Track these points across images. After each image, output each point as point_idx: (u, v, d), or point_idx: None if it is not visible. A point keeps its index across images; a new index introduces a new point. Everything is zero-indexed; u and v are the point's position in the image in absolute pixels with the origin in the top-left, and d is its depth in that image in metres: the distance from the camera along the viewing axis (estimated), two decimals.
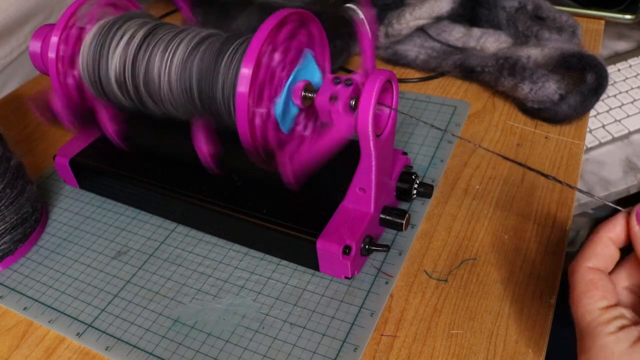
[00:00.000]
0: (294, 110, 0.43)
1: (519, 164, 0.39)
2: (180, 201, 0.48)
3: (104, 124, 0.51)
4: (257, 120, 0.41)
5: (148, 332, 0.43)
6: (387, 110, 0.41)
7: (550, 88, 0.55)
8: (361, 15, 0.39)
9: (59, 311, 0.45)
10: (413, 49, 0.67)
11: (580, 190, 0.36)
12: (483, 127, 0.58)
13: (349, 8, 0.40)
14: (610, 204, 0.35)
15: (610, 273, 0.34)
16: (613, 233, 0.33)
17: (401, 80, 0.66)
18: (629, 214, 0.33)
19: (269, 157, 0.44)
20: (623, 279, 0.34)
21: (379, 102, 0.39)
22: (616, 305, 0.32)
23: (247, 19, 0.71)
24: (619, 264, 0.34)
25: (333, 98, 0.39)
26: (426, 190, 0.47)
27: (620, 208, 0.33)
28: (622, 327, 0.30)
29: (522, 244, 0.46)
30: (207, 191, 0.48)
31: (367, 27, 0.40)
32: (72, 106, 0.49)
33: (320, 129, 0.49)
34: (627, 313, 0.32)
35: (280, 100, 0.41)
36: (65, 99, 0.49)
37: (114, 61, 0.46)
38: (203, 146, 0.43)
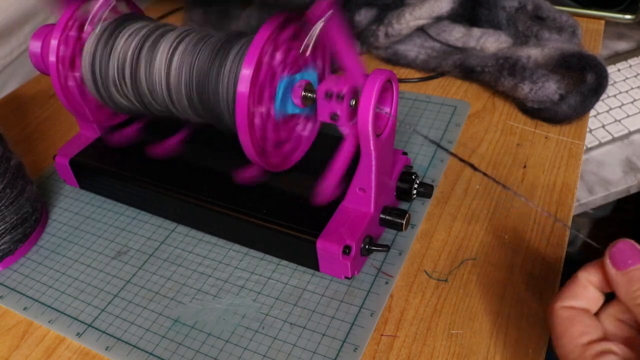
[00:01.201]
0: (290, 107, 0.43)
1: (501, 184, 0.39)
2: (180, 201, 0.48)
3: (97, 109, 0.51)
4: (257, 120, 0.41)
5: (148, 332, 0.43)
6: (386, 110, 0.41)
7: (550, 88, 0.55)
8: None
9: (59, 311, 0.45)
10: (413, 49, 0.67)
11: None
12: (483, 127, 0.58)
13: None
14: (591, 242, 0.33)
15: (597, 313, 0.32)
16: (593, 277, 0.31)
17: (401, 80, 0.66)
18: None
19: (267, 157, 0.44)
20: (614, 313, 0.32)
21: (380, 107, 0.39)
22: (602, 339, 0.30)
23: (247, 19, 0.71)
24: (606, 304, 0.32)
25: (334, 117, 0.40)
26: (426, 190, 0.47)
27: (559, 221, 0.32)
28: None
29: (522, 244, 0.46)
30: (207, 191, 0.48)
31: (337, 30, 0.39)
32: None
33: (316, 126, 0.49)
34: (617, 348, 0.29)
35: (288, 104, 0.42)
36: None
37: (115, 62, 0.46)
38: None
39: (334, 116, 0.40)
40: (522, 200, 0.37)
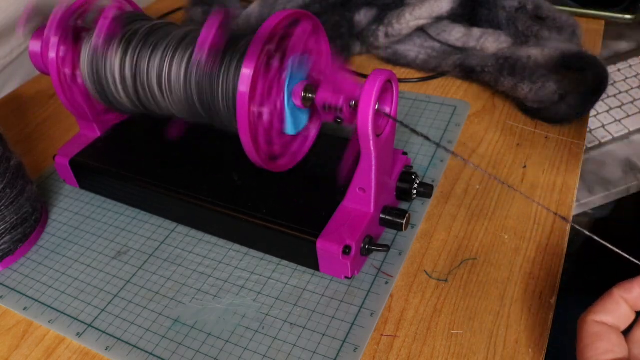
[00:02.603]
0: (303, 118, 0.44)
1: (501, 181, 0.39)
2: (180, 201, 0.48)
3: (97, 109, 0.50)
4: (258, 120, 0.41)
5: (148, 332, 0.43)
6: (387, 110, 0.41)
7: (550, 88, 0.55)
8: None
9: (59, 311, 0.45)
10: (413, 49, 0.67)
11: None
12: (483, 127, 0.58)
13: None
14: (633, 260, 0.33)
15: (626, 334, 0.32)
16: (629, 295, 0.32)
17: (401, 80, 0.66)
18: None
19: (269, 157, 0.44)
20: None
21: (379, 110, 0.39)
22: (624, 359, 0.30)
23: (247, 18, 0.71)
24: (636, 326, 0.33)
25: (338, 120, 0.41)
26: (426, 190, 0.47)
27: (561, 216, 0.32)
28: None
29: (522, 244, 0.46)
30: (207, 191, 0.48)
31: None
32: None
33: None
34: None
35: (287, 106, 0.42)
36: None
37: (115, 62, 0.46)
38: (210, 33, 0.41)
39: (338, 120, 0.41)
40: (524, 197, 0.37)
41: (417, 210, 0.49)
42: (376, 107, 0.38)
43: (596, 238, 0.34)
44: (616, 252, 0.33)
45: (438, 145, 0.35)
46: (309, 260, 0.44)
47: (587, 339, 0.31)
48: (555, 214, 0.36)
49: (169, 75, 0.44)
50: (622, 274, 0.35)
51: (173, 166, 0.51)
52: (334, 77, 0.41)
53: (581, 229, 0.35)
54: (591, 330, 0.32)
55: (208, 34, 0.41)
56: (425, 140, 0.56)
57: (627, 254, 0.33)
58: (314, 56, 0.45)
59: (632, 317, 0.32)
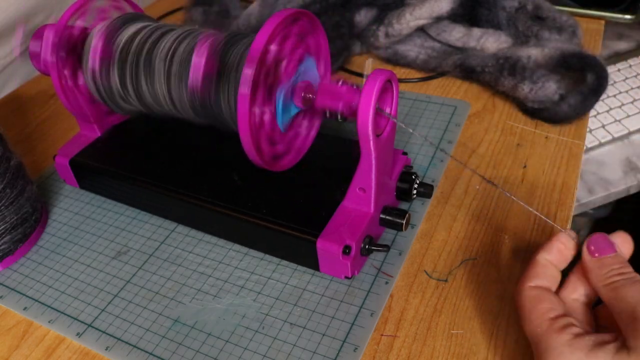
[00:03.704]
0: (293, 110, 0.44)
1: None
2: (180, 201, 0.48)
3: (97, 109, 0.50)
4: (258, 121, 0.41)
5: (148, 332, 0.43)
6: (387, 111, 0.41)
7: (550, 88, 0.55)
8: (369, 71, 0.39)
9: (59, 311, 0.45)
10: (413, 49, 0.67)
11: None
12: (483, 127, 0.58)
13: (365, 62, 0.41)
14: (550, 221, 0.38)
15: (557, 291, 0.36)
16: (551, 255, 0.36)
17: (401, 80, 0.66)
18: (578, 242, 0.35)
19: (269, 157, 0.44)
20: (570, 292, 0.36)
21: (380, 109, 0.39)
22: (564, 315, 0.33)
23: (248, 18, 0.71)
24: (563, 280, 0.36)
25: (340, 81, 0.41)
26: (426, 190, 0.47)
27: (558, 226, 0.37)
28: (576, 336, 0.31)
29: (522, 244, 0.46)
30: (207, 191, 0.48)
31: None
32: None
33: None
34: (576, 322, 0.33)
35: (279, 100, 0.41)
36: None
37: (115, 62, 0.46)
38: (201, 61, 0.42)
39: (340, 80, 0.41)
40: (521, 204, 0.39)
41: (417, 210, 0.49)
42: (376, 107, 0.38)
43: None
44: None
45: (437, 147, 0.35)
46: (309, 260, 0.44)
47: (528, 304, 0.34)
48: (553, 224, 0.38)
49: (169, 75, 0.44)
50: None
51: (173, 166, 0.51)
52: (332, 85, 0.41)
53: (576, 232, 0.36)
54: (530, 295, 0.34)
55: (199, 61, 0.42)
56: (425, 141, 0.56)
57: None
58: (313, 56, 0.45)
59: (559, 276, 0.36)
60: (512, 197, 0.39)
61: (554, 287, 0.35)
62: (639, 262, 0.36)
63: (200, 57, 0.42)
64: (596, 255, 0.34)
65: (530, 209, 0.39)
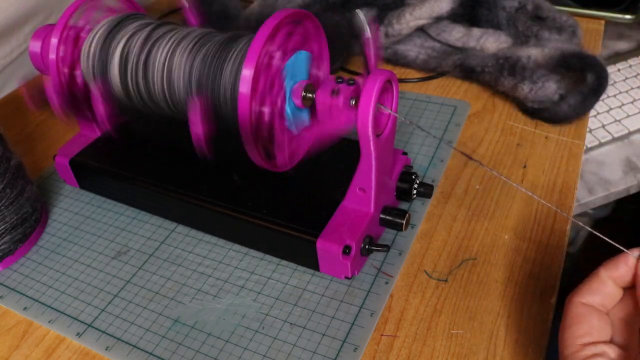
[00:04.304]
0: (304, 116, 0.44)
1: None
2: (180, 201, 0.48)
3: (97, 109, 0.51)
4: (258, 120, 0.41)
5: (148, 332, 0.43)
6: (386, 110, 0.41)
7: (550, 88, 0.55)
8: (365, 24, 0.39)
9: (59, 311, 0.45)
10: (413, 49, 0.67)
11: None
12: (483, 127, 0.58)
13: (356, 15, 0.40)
14: (620, 247, 0.34)
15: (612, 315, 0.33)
16: (615, 273, 0.33)
17: (401, 80, 0.66)
18: (636, 258, 0.32)
19: (269, 157, 0.44)
20: (618, 311, 0.33)
21: (380, 104, 0.39)
22: (602, 342, 0.31)
23: (247, 19, 0.71)
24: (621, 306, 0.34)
25: (335, 92, 0.40)
26: (426, 190, 0.47)
27: (624, 249, 0.33)
28: None
29: (522, 244, 0.46)
30: (207, 191, 0.48)
31: (371, 35, 0.40)
32: (64, 92, 0.49)
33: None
34: (612, 351, 0.31)
35: (288, 105, 0.42)
36: (58, 85, 0.49)
37: (115, 62, 0.46)
38: (198, 126, 0.42)
39: (335, 91, 0.41)
40: (527, 193, 0.37)
41: (417, 210, 0.49)
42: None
43: (597, 234, 0.35)
44: (617, 249, 0.33)
45: (440, 140, 0.35)
46: (309, 260, 0.44)
47: (569, 319, 0.32)
48: (557, 209, 0.37)
49: (169, 75, 0.44)
50: None
51: (173, 166, 0.51)
52: (331, 83, 0.41)
53: (582, 225, 0.35)
54: (575, 312, 0.32)
55: (197, 127, 0.42)
56: (425, 140, 0.56)
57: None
58: (313, 56, 0.45)
59: (619, 295, 0.33)
60: (520, 187, 0.38)
61: (609, 306, 0.33)
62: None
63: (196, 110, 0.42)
64: None
65: (535, 197, 0.37)
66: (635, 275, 0.32)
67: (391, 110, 0.41)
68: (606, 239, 0.34)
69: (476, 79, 0.63)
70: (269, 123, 0.42)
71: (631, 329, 0.33)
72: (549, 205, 0.37)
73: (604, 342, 0.31)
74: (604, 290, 0.33)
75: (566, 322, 0.32)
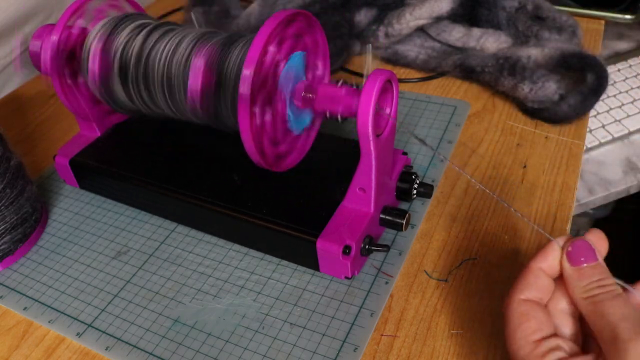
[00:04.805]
0: (306, 116, 0.44)
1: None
2: (180, 201, 0.48)
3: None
4: (258, 120, 0.41)
5: (148, 332, 0.43)
6: (387, 110, 0.41)
7: (550, 88, 0.55)
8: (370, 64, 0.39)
9: (59, 311, 0.45)
10: (413, 49, 0.67)
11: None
12: (483, 127, 0.58)
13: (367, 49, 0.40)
14: (546, 234, 0.35)
15: (548, 306, 0.33)
16: (544, 264, 0.33)
17: (401, 80, 0.66)
18: (561, 248, 0.33)
19: (270, 158, 0.44)
20: (556, 303, 0.33)
21: (379, 107, 0.39)
22: (552, 336, 0.31)
23: (247, 18, 0.71)
24: (556, 297, 0.34)
25: (339, 84, 0.40)
26: (426, 190, 0.47)
27: (550, 237, 0.33)
28: None
29: (522, 244, 0.46)
30: (207, 191, 0.48)
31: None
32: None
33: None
34: (565, 344, 0.31)
35: (289, 105, 0.42)
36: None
37: (115, 62, 0.46)
38: (198, 78, 0.42)
39: (340, 81, 0.41)
40: (518, 215, 0.38)
41: (417, 210, 0.49)
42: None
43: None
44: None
45: (435, 151, 0.35)
46: (309, 260, 0.44)
47: (515, 320, 0.32)
48: (549, 235, 0.36)
49: (169, 75, 0.44)
50: (622, 274, 0.35)
51: (173, 166, 0.51)
52: (331, 87, 0.41)
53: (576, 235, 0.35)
54: (518, 310, 0.32)
55: (196, 79, 0.41)
56: (425, 140, 0.56)
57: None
58: (313, 56, 0.45)
59: (552, 286, 0.33)
60: (512, 208, 0.38)
61: (545, 298, 0.33)
62: (638, 261, 0.35)
63: (199, 64, 0.42)
64: (575, 263, 0.32)
65: (526, 220, 0.37)
66: (561, 264, 0.33)
67: (390, 115, 0.41)
68: (538, 228, 0.34)
69: (476, 79, 0.63)
70: (269, 123, 0.42)
71: (573, 319, 0.33)
72: (539, 228, 0.38)
73: (555, 336, 0.31)
74: (539, 283, 0.33)
75: (513, 323, 0.32)
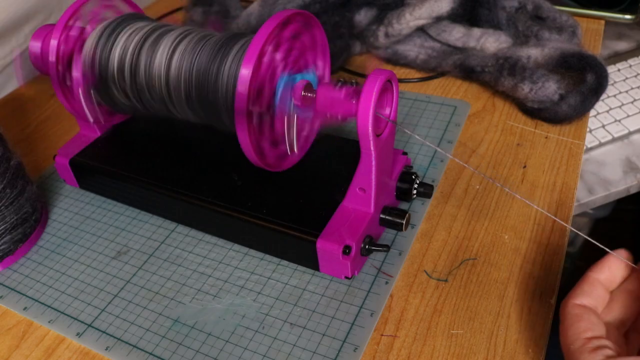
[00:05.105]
0: (305, 115, 0.43)
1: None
2: (180, 201, 0.48)
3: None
4: (256, 120, 0.41)
5: (148, 332, 0.43)
6: (386, 110, 0.41)
7: (550, 88, 0.55)
8: None
9: (59, 311, 0.45)
10: (413, 49, 0.67)
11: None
12: (483, 127, 0.58)
13: None
14: (602, 246, 0.36)
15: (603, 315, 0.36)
16: (602, 275, 0.35)
17: (401, 80, 0.66)
18: (626, 260, 0.35)
19: (267, 158, 0.44)
20: (605, 314, 0.36)
21: (378, 113, 0.39)
22: (601, 337, 0.33)
23: (247, 18, 0.71)
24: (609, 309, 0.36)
25: (338, 84, 0.40)
26: (426, 190, 0.47)
27: (608, 250, 0.35)
28: (608, 357, 0.31)
29: (522, 244, 0.46)
30: (207, 191, 0.48)
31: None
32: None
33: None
34: (611, 345, 0.33)
35: (289, 104, 0.42)
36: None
37: (115, 62, 0.46)
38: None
39: (339, 81, 0.41)
40: (523, 200, 0.38)
41: (417, 210, 0.49)
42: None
43: (587, 237, 0.36)
44: (615, 249, 0.35)
45: (437, 148, 0.35)
46: (309, 260, 0.44)
47: (568, 320, 0.34)
48: (555, 218, 0.38)
49: (168, 75, 0.44)
50: None
51: (173, 166, 0.51)
52: (331, 90, 0.41)
53: (578, 232, 0.36)
54: (572, 312, 0.34)
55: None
56: (425, 140, 0.56)
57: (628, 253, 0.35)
58: (313, 56, 0.45)
59: (607, 298, 0.35)
60: (514, 193, 0.39)
61: (600, 308, 0.35)
62: (638, 261, 0.36)
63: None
64: None
65: (535, 206, 0.38)
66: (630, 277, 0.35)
67: (388, 119, 0.41)
68: (595, 242, 0.36)
69: (476, 79, 0.63)
70: (269, 123, 0.42)
71: (618, 332, 0.35)
72: (547, 212, 0.39)
73: (603, 337, 0.33)
74: (593, 292, 0.35)
75: (567, 323, 0.34)
